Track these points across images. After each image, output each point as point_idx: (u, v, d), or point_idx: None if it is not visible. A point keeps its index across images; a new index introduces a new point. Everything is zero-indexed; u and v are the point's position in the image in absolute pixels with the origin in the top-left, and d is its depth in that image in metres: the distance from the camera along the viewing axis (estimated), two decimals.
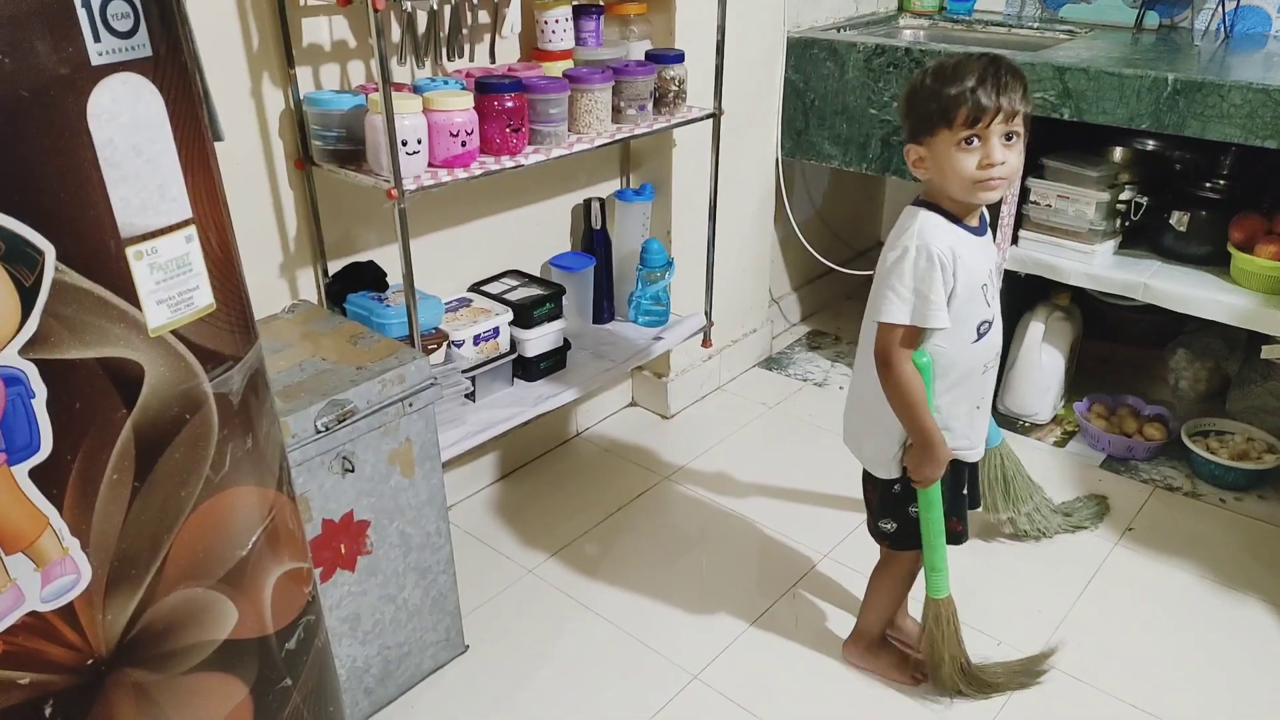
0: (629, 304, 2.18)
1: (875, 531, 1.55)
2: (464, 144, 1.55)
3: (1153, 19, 2.40)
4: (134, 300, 0.80)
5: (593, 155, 2.11)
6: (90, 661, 0.85)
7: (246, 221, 1.57)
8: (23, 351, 0.74)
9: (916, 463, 1.40)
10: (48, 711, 0.83)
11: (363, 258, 1.73)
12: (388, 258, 1.77)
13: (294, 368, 1.42)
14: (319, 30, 1.57)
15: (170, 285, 0.82)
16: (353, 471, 1.39)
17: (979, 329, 1.38)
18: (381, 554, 1.48)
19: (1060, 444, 2.30)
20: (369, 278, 1.71)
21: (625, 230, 2.18)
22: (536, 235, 2.08)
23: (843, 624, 1.74)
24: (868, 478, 1.52)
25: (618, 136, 1.78)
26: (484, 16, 1.79)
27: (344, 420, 1.35)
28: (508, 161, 1.61)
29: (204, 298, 0.86)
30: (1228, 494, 2.09)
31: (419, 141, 1.49)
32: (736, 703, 1.59)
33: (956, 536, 1.52)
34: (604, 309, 2.18)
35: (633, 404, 2.47)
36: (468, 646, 1.70)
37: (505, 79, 1.61)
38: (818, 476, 2.16)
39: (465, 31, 1.71)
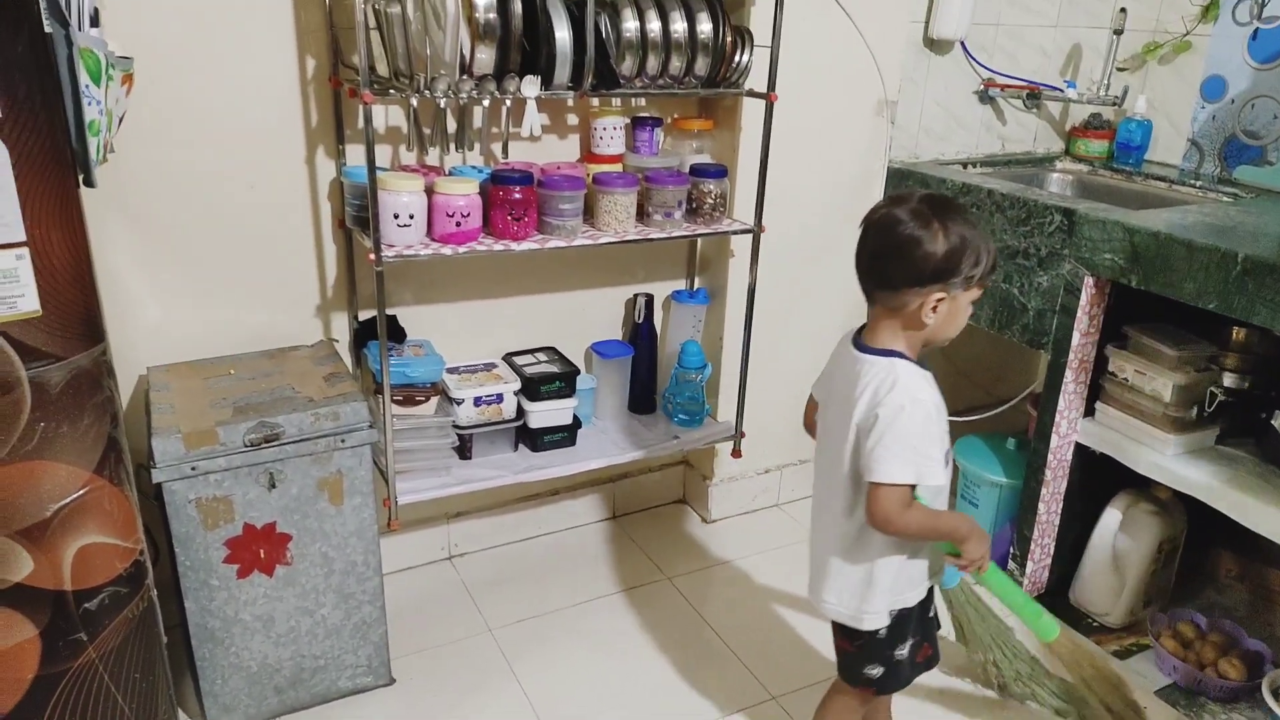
0: (662, 400, 2.22)
1: (856, 679, 1.47)
2: (458, 224, 1.73)
3: None
4: None
5: (655, 254, 2.21)
6: None
7: (294, 267, 1.87)
8: None
9: (970, 556, 1.36)
10: None
11: (392, 312, 1.97)
12: (416, 316, 1.99)
13: (266, 390, 1.66)
14: (377, 115, 1.84)
15: None
16: (274, 488, 1.59)
17: (947, 455, 1.35)
18: (301, 568, 1.66)
19: (1123, 655, 1.97)
20: (390, 330, 1.93)
21: (676, 329, 2.24)
22: (588, 319, 2.21)
23: None
24: (843, 630, 1.46)
25: (626, 238, 1.87)
26: (551, 119, 1.98)
27: (270, 440, 1.56)
28: (498, 246, 1.76)
29: (29, 304, 1.09)
30: None
31: (410, 217, 1.69)
32: None
33: (928, 660, 1.48)
34: (643, 400, 2.24)
35: (682, 500, 2.48)
36: (394, 680, 1.82)
37: (516, 173, 1.78)
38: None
39: (496, 130, 1.90)
